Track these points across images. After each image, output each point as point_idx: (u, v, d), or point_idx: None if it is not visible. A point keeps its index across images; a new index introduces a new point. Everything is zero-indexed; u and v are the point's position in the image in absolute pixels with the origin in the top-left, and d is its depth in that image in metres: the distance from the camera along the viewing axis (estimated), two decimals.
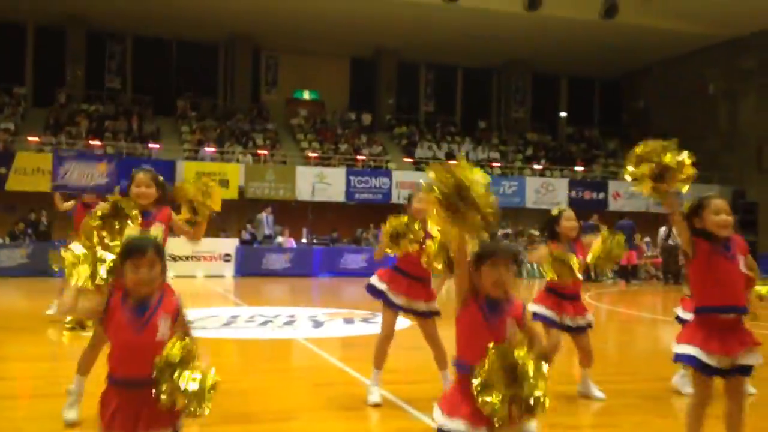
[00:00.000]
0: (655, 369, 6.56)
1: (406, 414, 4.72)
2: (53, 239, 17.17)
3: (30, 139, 21.12)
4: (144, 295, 2.66)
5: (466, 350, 2.71)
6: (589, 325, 5.22)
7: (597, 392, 5.21)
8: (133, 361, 2.60)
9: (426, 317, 4.95)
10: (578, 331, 5.18)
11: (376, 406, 4.82)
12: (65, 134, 22.14)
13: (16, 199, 19.60)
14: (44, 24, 25.04)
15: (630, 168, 3.42)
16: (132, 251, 2.66)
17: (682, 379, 5.30)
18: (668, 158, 3.30)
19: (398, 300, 4.87)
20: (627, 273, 19.15)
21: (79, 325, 7.99)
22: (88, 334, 7.78)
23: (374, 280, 5.02)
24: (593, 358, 5.24)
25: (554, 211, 5.32)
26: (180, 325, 2.73)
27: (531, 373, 2.52)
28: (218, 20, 24.28)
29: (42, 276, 14.54)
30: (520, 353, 2.54)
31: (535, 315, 5.10)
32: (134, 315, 2.64)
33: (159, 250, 2.71)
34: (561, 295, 5.11)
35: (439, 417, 2.67)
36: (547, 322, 5.07)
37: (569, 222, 5.16)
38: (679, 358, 3.46)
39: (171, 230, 4.54)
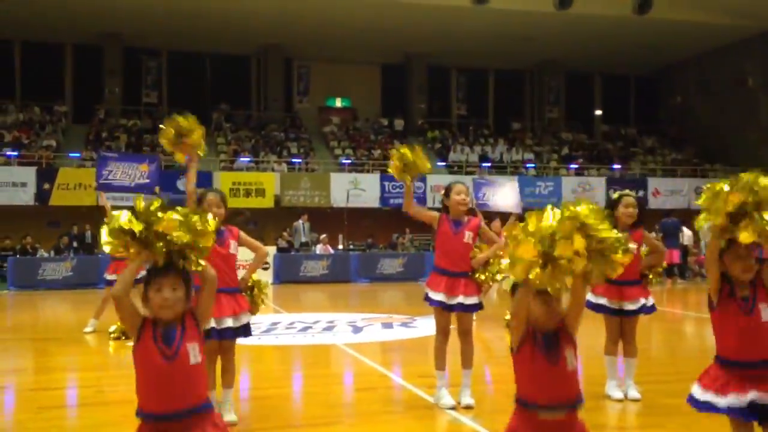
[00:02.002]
0: (701, 368, 6.41)
1: (448, 417, 4.69)
2: (97, 252, 17.59)
3: (71, 155, 21.66)
4: (167, 319, 2.56)
5: (527, 388, 2.61)
6: (652, 308, 5.12)
7: (634, 392, 5.09)
8: (166, 393, 2.50)
9: (464, 311, 4.92)
10: (634, 314, 5.05)
11: (452, 408, 4.79)
12: (105, 149, 22.62)
13: (59, 213, 20.11)
14: (82, 42, 25.66)
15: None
16: (154, 272, 2.58)
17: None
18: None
19: (437, 297, 4.86)
20: (673, 272, 18.80)
21: (124, 335, 8.15)
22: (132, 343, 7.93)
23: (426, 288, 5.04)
24: (637, 348, 5.14)
25: (615, 195, 5.25)
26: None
27: None
28: (250, 32, 24.59)
29: (86, 288, 14.88)
30: None
31: (593, 306, 5.04)
32: (163, 345, 2.53)
33: (184, 273, 2.61)
34: (617, 281, 4.96)
35: None
36: (608, 312, 5.00)
37: (626, 209, 5.06)
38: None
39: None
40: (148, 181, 8.53)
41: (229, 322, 4.35)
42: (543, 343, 2.58)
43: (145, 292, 2.59)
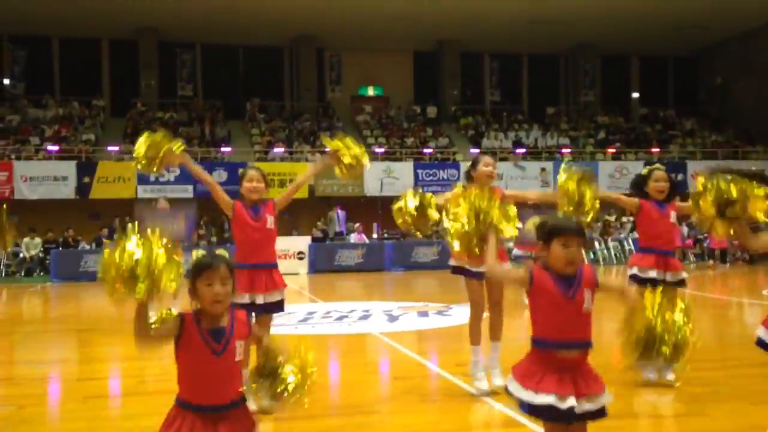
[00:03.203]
0: (745, 354, 6.27)
1: (485, 406, 4.68)
2: None
3: (110, 148, 22.06)
4: (218, 313, 2.59)
5: (546, 328, 2.68)
6: (684, 282, 5.15)
7: (669, 374, 5.00)
8: (213, 387, 2.55)
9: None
10: (675, 286, 5.02)
11: (486, 395, 4.76)
12: None
13: (100, 206, 20.52)
14: (118, 37, 26.06)
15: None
16: (204, 267, 2.59)
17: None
18: (733, 190, 3.00)
19: (476, 269, 4.75)
20: (715, 256, 18.45)
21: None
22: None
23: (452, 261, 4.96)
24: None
25: (644, 170, 5.22)
26: (254, 339, 2.74)
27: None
28: (282, 23, 24.67)
29: None
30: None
31: (634, 277, 5.03)
32: (212, 340, 2.56)
33: (230, 267, 2.64)
34: (657, 251, 5.04)
35: (522, 392, 2.65)
36: (651, 283, 4.92)
37: (657, 183, 5.06)
38: (761, 342, 3.32)
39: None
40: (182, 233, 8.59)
41: (260, 299, 4.41)
42: (560, 280, 2.68)
43: (192, 285, 2.60)
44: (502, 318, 4.94)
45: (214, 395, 2.55)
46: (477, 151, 24.32)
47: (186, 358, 2.57)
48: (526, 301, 3.10)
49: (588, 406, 2.61)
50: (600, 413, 2.66)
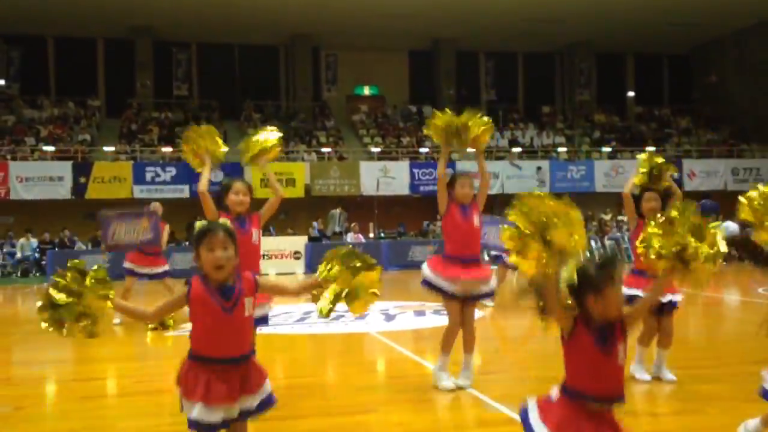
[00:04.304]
0: (740, 352, 6.30)
1: (482, 403, 4.69)
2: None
3: (106, 148, 22.02)
4: (222, 278, 2.74)
5: (579, 378, 2.55)
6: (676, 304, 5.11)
7: (669, 375, 5.10)
8: (225, 341, 2.73)
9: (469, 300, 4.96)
10: (667, 308, 5.04)
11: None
12: (138, 142, 22.97)
13: (95, 206, 20.46)
14: (113, 36, 26.00)
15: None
16: (204, 234, 2.75)
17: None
18: None
19: (451, 289, 4.88)
20: None
21: (162, 326, 8.28)
22: (171, 333, 8.07)
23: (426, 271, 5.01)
24: (672, 339, 5.13)
25: (636, 191, 5.26)
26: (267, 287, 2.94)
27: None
28: (277, 23, 24.66)
29: (123, 279, 15.13)
30: None
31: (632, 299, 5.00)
32: (222, 298, 2.73)
33: (230, 232, 2.78)
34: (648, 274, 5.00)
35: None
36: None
37: (648, 203, 5.12)
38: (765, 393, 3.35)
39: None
40: (152, 235, 8.78)
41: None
42: (598, 334, 2.53)
43: (196, 252, 2.77)
44: (474, 336, 5.03)
45: (227, 348, 2.73)
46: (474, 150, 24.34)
47: (199, 317, 2.74)
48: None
49: None
50: None
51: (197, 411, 2.67)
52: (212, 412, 2.67)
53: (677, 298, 5.07)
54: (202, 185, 4.65)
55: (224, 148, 4.89)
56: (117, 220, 8.94)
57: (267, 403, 2.86)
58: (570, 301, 2.53)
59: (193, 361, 2.76)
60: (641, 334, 5.14)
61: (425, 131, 5.43)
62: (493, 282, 5.06)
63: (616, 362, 2.53)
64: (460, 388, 4.90)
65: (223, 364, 2.73)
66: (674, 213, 2.62)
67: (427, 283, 4.98)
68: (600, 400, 2.53)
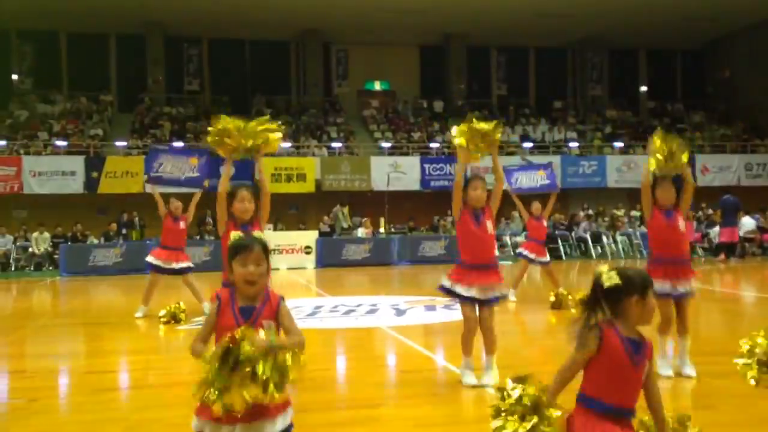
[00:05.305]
0: None
1: (492, 398, 4.67)
2: (145, 238, 18.02)
3: (118, 143, 22.13)
4: (252, 293, 2.70)
5: (603, 389, 2.56)
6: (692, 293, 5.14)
7: (690, 370, 5.09)
8: None
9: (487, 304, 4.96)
10: (683, 297, 5.06)
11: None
12: (150, 137, 23.07)
13: (108, 201, 20.62)
14: (125, 32, 26.11)
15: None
16: (239, 248, 2.71)
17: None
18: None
19: (467, 293, 4.89)
20: (727, 250, 18.37)
21: (174, 319, 8.34)
22: (183, 327, 8.12)
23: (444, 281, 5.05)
24: (689, 326, 5.17)
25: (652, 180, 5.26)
26: (283, 326, 2.74)
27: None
28: (288, 18, 24.67)
29: (136, 273, 15.27)
30: None
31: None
32: (241, 317, 2.69)
33: (265, 248, 2.75)
34: (668, 261, 5.04)
35: None
36: (661, 297, 4.93)
37: (663, 192, 5.13)
38: None
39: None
40: (197, 175, 8.71)
41: None
42: (630, 347, 2.56)
43: (229, 264, 2.73)
44: (495, 338, 5.02)
45: None
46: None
47: (218, 332, 2.69)
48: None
49: None
50: None
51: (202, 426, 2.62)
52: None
53: (689, 287, 5.09)
54: (223, 187, 4.73)
55: (278, 134, 4.98)
56: (167, 153, 8.92)
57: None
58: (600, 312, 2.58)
59: None
60: (660, 323, 5.13)
61: (453, 139, 5.32)
62: (505, 288, 5.10)
63: (641, 377, 2.57)
64: (482, 386, 4.89)
65: None
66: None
67: (444, 289, 5.01)
68: (617, 412, 2.56)
